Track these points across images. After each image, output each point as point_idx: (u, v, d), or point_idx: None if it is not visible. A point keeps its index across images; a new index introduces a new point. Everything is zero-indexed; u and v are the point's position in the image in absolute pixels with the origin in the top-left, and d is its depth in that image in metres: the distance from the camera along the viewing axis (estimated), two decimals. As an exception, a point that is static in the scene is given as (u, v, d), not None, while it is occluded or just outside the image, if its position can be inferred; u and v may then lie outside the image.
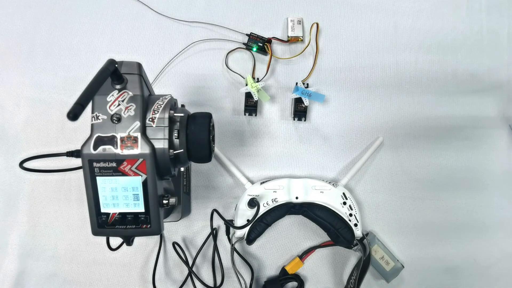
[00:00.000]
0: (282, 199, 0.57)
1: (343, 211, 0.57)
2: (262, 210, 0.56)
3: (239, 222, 0.57)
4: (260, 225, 0.56)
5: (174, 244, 0.60)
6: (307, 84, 0.63)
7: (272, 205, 0.57)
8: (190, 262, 0.60)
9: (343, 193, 0.58)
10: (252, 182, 0.60)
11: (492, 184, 0.64)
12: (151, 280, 0.59)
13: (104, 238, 0.48)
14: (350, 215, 0.57)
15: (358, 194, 0.63)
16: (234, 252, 0.58)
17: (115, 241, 0.51)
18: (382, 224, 0.62)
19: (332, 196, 0.58)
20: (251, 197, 0.57)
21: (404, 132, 0.64)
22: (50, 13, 0.66)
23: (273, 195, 0.57)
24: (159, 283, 0.61)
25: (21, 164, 0.43)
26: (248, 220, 0.56)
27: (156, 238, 0.61)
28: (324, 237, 0.61)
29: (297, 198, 0.57)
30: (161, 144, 0.40)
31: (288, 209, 0.57)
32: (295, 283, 0.61)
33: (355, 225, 0.57)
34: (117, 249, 0.49)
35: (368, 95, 0.65)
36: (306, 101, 0.60)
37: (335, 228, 0.56)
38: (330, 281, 0.62)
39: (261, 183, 0.59)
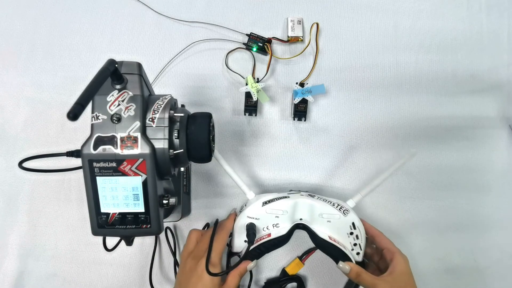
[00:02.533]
0: (284, 225, 0.51)
1: (347, 241, 0.51)
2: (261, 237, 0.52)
3: (236, 240, 0.53)
4: (256, 251, 0.51)
5: (167, 229, 0.60)
6: (307, 84, 0.62)
7: (273, 233, 0.51)
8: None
9: (353, 223, 0.51)
10: (254, 193, 0.56)
11: (492, 184, 0.64)
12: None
13: (104, 238, 0.48)
14: (355, 244, 0.52)
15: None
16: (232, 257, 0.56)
17: (113, 242, 0.51)
18: (382, 224, 0.62)
19: (340, 226, 0.51)
20: (250, 221, 0.52)
21: (404, 132, 0.64)
22: (50, 13, 0.66)
23: (275, 220, 0.52)
24: (159, 283, 0.61)
25: (20, 164, 0.43)
26: (245, 241, 0.52)
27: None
28: (324, 237, 0.61)
29: (301, 219, 0.52)
30: (161, 144, 0.40)
31: (288, 237, 0.52)
32: (295, 284, 0.60)
33: (357, 253, 0.52)
34: (112, 250, 0.49)
35: (368, 95, 0.65)
36: (310, 99, 0.60)
37: (334, 258, 0.51)
38: (331, 281, 0.62)
39: (263, 204, 0.52)
